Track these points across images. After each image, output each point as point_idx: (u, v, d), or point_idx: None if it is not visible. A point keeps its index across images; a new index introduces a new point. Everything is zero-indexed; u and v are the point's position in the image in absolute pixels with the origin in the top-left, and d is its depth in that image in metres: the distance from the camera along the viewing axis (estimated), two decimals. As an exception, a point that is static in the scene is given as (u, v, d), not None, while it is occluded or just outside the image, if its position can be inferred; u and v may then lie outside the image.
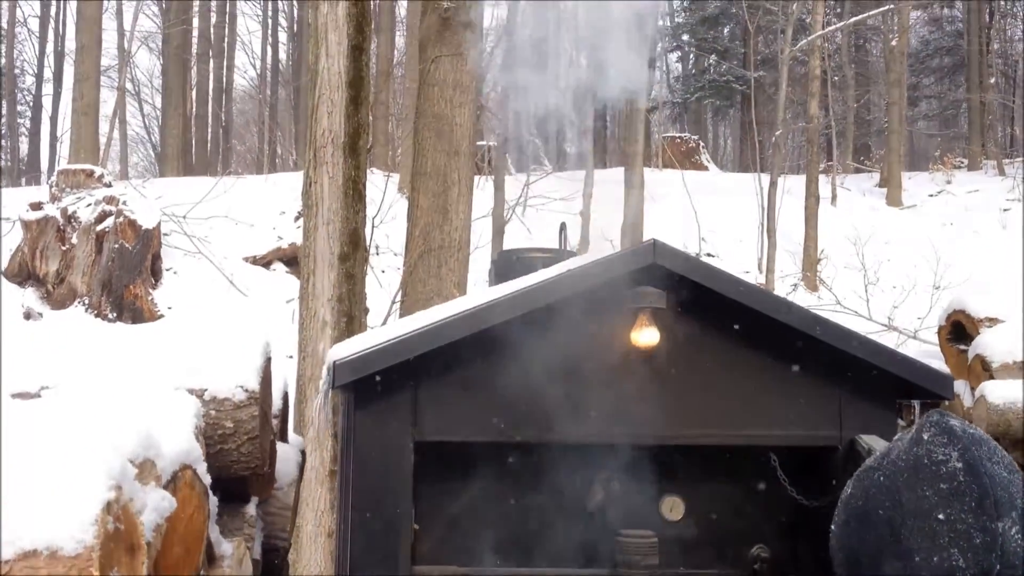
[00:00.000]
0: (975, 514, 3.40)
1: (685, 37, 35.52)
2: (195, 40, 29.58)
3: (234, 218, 16.99)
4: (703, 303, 4.30)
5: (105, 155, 22.76)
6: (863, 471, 3.78)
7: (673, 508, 4.61)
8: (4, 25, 30.68)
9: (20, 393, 3.28)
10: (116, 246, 13.91)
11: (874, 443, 4.13)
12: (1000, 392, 5.16)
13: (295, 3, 34.48)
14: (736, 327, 4.31)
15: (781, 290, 17.13)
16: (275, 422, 4.01)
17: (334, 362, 4.10)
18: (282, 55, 37.38)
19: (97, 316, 13.74)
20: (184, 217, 16.23)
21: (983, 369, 5.38)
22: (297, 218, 16.01)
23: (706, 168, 28.37)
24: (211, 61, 31.65)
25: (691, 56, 37.10)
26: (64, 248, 14.05)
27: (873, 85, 31.96)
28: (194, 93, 30.19)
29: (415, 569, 4.28)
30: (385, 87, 24.10)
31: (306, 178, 7.33)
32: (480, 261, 12.78)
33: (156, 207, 15.03)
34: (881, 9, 22.93)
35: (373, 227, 13.23)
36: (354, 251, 7.10)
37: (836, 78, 27.07)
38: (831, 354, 4.30)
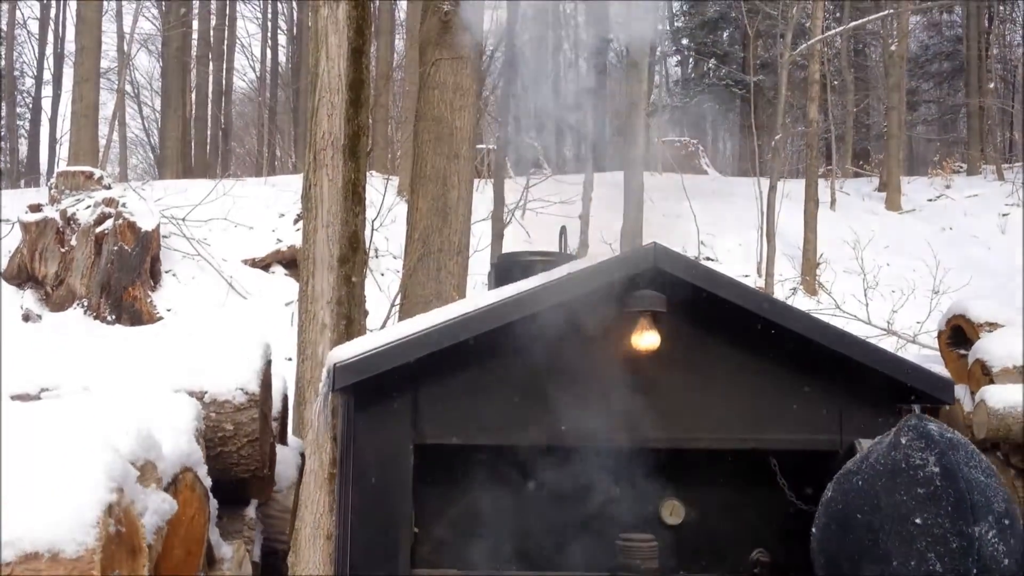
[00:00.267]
0: (952, 518, 3.40)
1: (684, 41, 35.54)
2: (195, 42, 29.60)
3: (233, 220, 16.98)
4: (703, 307, 4.30)
5: (104, 157, 22.76)
6: (843, 474, 3.79)
7: (673, 512, 4.61)
8: (4, 27, 30.68)
9: (20, 395, 3.28)
10: (115, 248, 13.91)
11: (874, 447, 4.13)
12: (1000, 396, 5.16)
13: (295, 6, 34.51)
14: (736, 331, 4.31)
15: (780, 294, 17.13)
16: (275, 424, 4.01)
17: (334, 365, 4.10)
18: (281, 58, 37.42)
19: (96, 318, 13.74)
20: (183, 219, 16.22)
21: (983, 373, 5.38)
22: (296, 221, 16.00)
23: (705, 172, 28.41)
24: (211, 63, 31.68)
25: (690, 60, 37.12)
26: (63, 250, 14.05)
27: (872, 90, 31.98)
28: (193, 95, 30.20)
29: (414, 572, 4.28)
30: (385, 90, 24.10)
31: (306, 181, 7.33)
32: (479, 264, 12.78)
33: (155, 209, 15.03)
34: (881, 14, 22.96)
35: (373, 230, 13.23)
36: (353, 254, 7.10)
37: (836, 82, 27.09)
38: (831, 358, 4.30)
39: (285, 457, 4.25)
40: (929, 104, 36.12)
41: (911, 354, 8.45)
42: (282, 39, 37.24)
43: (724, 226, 20.45)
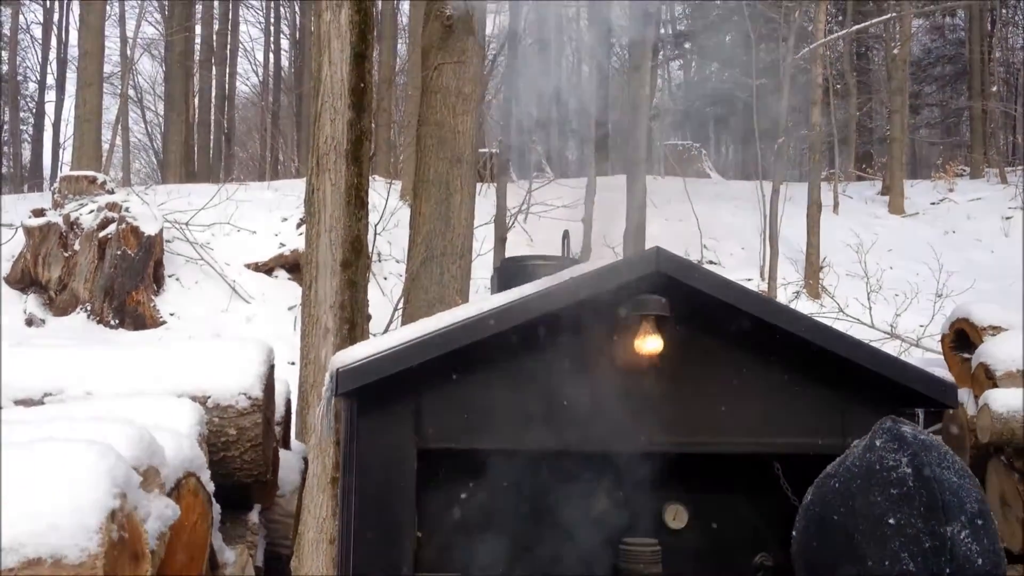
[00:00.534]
0: (924, 518, 3.44)
1: (687, 45, 35.56)
2: (198, 47, 29.65)
3: (236, 225, 17.00)
4: (706, 311, 4.29)
5: (107, 162, 22.80)
6: (822, 478, 3.83)
7: (676, 516, 4.60)
8: (7, 32, 30.76)
9: (23, 399, 3.28)
10: (118, 253, 13.93)
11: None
12: (1004, 400, 5.14)
13: (297, 10, 34.58)
14: (739, 335, 4.30)
15: (783, 298, 17.12)
16: (278, 429, 4.00)
17: (337, 369, 4.10)
18: (284, 62, 37.51)
19: (99, 323, 13.76)
20: (186, 224, 16.24)
21: (987, 377, 5.36)
22: (299, 225, 16.03)
23: (708, 176, 28.41)
24: (213, 68, 31.73)
25: (693, 64, 37.14)
26: (66, 255, 14.07)
27: (875, 93, 31.99)
28: (196, 100, 30.23)
29: (417, 576, 4.28)
30: (387, 94, 24.13)
31: (309, 185, 7.33)
32: (482, 268, 12.79)
33: (158, 214, 15.06)
34: (883, 18, 22.96)
35: (375, 234, 13.26)
36: (356, 258, 7.10)
37: (838, 86, 27.08)
38: (834, 362, 4.30)
39: (288, 462, 4.25)
40: (932, 108, 36.12)
41: (914, 358, 8.45)
42: (285, 44, 37.35)
43: (727, 230, 20.46)
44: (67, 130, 30.49)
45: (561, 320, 4.09)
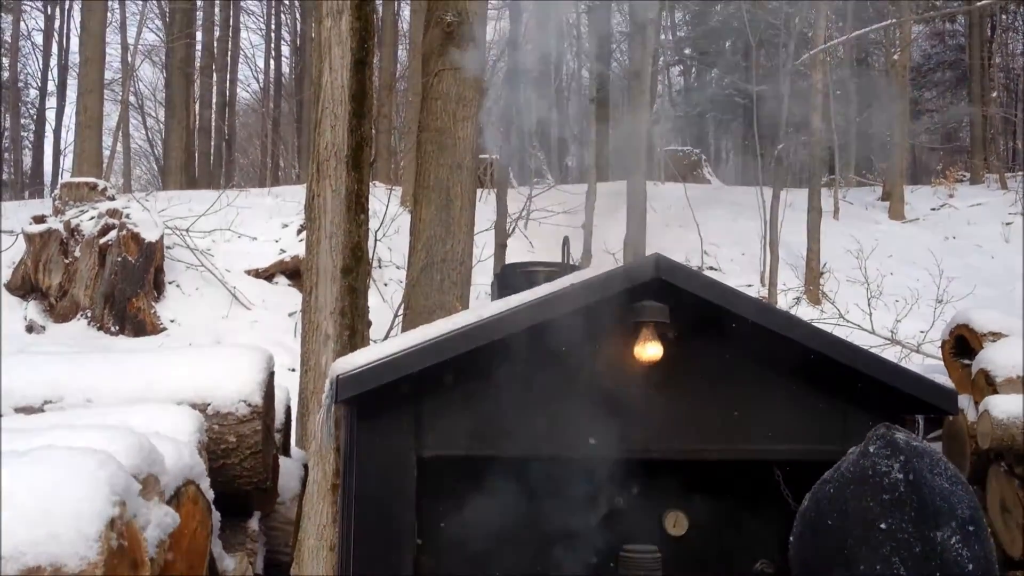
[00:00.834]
0: (915, 523, 3.48)
1: (687, 51, 35.60)
2: (198, 53, 29.64)
3: (237, 231, 17.00)
4: (706, 317, 4.30)
5: (108, 168, 22.80)
6: (818, 484, 3.88)
7: (676, 523, 4.60)
8: (8, 38, 30.80)
9: (23, 407, 3.28)
10: (119, 259, 13.93)
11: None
12: (1004, 406, 5.13)
13: (298, 17, 34.62)
14: (739, 342, 4.30)
15: (783, 303, 17.12)
16: (278, 436, 4.00)
17: (337, 376, 4.10)
18: (285, 68, 37.52)
19: (100, 329, 13.75)
20: (187, 230, 16.24)
21: (987, 383, 5.36)
22: (300, 231, 16.02)
23: (708, 181, 28.41)
24: (214, 74, 31.73)
25: (693, 69, 37.17)
26: (67, 261, 14.07)
27: (875, 99, 31.98)
28: (197, 106, 30.24)
29: (418, 583, 4.27)
30: (388, 101, 24.15)
31: (309, 191, 7.34)
32: (483, 275, 12.78)
33: (159, 220, 15.05)
34: (883, 23, 22.98)
35: (376, 240, 13.26)
36: (357, 264, 7.10)
37: (838, 92, 27.09)
38: (835, 368, 4.30)
39: (288, 469, 4.24)
40: (932, 113, 36.14)
41: (915, 364, 8.44)
42: (285, 50, 37.38)
43: (727, 236, 20.45)
44: (68, 136, 30.56)
45: (561, 327, 4.09)
